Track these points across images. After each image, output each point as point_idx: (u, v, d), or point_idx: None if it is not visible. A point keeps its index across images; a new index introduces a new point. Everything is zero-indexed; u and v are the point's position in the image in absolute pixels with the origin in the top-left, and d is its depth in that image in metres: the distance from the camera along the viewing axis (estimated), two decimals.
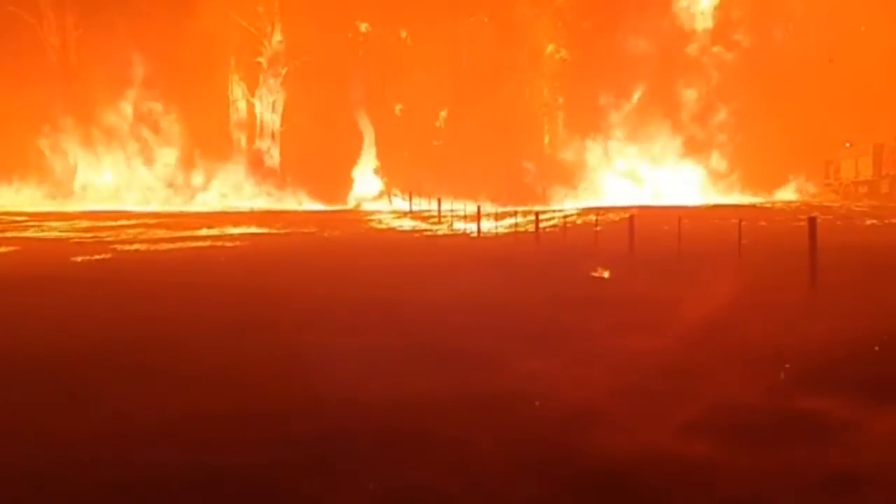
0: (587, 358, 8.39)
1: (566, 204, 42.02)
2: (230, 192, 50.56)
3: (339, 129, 49.47)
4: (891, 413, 6.32)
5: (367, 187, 49.91)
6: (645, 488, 4.99)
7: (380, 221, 37.05)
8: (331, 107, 49.33)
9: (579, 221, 29.28)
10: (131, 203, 47.32)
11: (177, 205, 47.88)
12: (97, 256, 21.62)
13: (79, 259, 20.91)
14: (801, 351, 8.32)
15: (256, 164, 52.25)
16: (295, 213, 42.69)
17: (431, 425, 6.18)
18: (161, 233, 30.13)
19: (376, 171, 50.43)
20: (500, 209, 34.17)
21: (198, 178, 51.27)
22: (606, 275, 15.55)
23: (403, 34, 50.87)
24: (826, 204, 37.27)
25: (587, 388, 7.21)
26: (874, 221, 29.04)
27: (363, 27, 51.01)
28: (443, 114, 50.95)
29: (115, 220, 35.94)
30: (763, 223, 26.73)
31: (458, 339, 9.45)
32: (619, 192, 46.16)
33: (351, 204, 48.31)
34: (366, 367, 8.17)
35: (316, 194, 49.91)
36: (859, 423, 6.05)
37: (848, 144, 40.96)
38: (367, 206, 46.23)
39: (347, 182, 49.90)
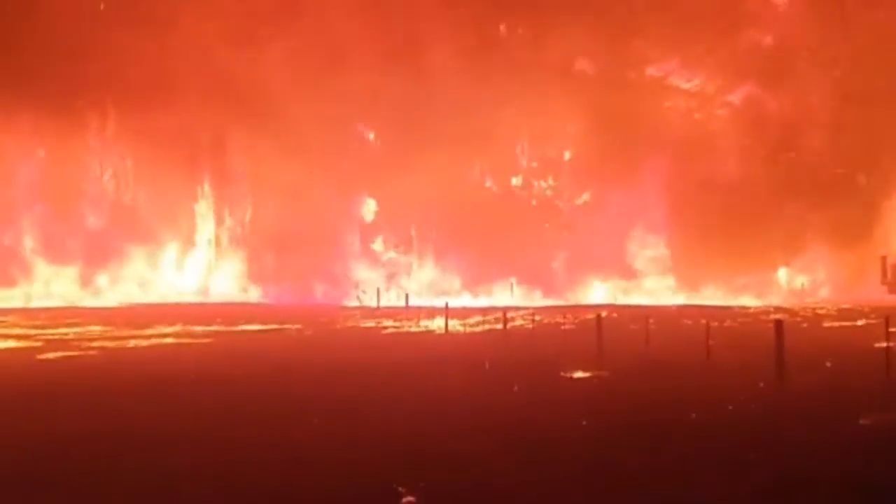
0: None
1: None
2: (201, 286, 49.90)
3: (308, 230, 49.25)
4: None
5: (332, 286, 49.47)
6: None
7: (345, 319, 36.90)
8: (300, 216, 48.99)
9: (546, 321, 29.62)
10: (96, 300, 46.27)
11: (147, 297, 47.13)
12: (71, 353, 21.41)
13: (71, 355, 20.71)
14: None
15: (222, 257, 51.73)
16: (256, 305, 42.52)
17: None
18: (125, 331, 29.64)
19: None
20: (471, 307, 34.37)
21: (170, 270, 50.35)
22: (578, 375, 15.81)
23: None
24: None
25: None
26: None
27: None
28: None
29: (79, 316, 35.41)
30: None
31: None
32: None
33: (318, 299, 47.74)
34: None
35: (281, 290, 49.63)
36: None
37: None
38: (341, 303, 45.66)
39: (313, 279, 49.57)
